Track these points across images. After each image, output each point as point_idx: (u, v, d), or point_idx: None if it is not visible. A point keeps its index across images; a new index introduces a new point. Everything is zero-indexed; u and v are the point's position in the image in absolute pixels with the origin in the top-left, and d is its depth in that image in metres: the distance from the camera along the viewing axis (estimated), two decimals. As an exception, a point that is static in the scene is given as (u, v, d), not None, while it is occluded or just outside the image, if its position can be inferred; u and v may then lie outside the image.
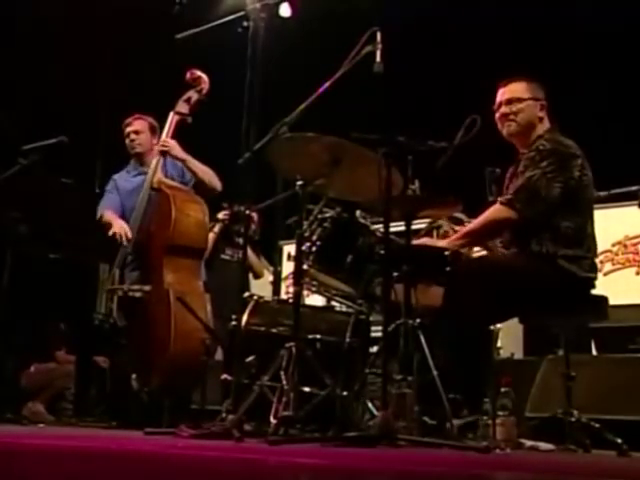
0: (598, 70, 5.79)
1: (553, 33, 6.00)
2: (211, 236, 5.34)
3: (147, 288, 4.55)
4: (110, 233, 4.76)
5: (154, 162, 4.83)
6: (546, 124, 3.71)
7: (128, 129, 5.09)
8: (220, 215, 5.70)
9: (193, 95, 4.93)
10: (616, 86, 5.73)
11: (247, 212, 3.62)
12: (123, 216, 4.93)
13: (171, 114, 4.92)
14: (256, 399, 3.32)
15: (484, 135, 3.70)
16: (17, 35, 6.99)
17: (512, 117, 3.68)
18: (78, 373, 5.20)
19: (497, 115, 3.73)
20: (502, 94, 3.74)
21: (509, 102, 3.69)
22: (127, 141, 5.08)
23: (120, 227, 4.78)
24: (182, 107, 4.92)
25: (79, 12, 6.85)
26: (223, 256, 5.87)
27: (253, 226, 5.61)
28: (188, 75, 4.94)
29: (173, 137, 4.90)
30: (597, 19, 5.80)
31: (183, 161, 4.85)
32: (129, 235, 4.72)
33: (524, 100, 3.68)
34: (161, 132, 4.96)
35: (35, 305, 5.03)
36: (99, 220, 4.95)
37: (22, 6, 6.79)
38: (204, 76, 4.96)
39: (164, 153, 4.82)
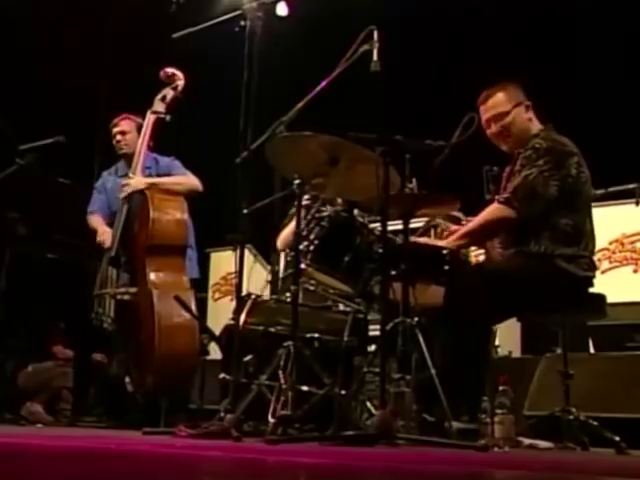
0: (596, 68, 5.79)
1: (551, 31, 6.00)
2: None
3: (133, 290, 4.58)
4: (97, 240, 4.81)
5: (133, 165, 4.82)
6: (536, 122, 3.69)
7: (115, 130, 5.09)
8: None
9: (169, 93, 4.91)
10: (613, 84, 5.73)
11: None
12: (110, 216, 4.96)
13: (148, 114, 4.91)
14: (254, 398, 3.32)
15: (481, 133, 3.70)
16: (15, 34, 6.97)
17: (506, 133, 3.66)
18: (76, 373, 5.19)
19: (489, 132, 3.70)
20: (486, 111, 3.68)
21: (497, 119, 3.65)
22: (114, 142, 5.09)
23: (103, 234, 4.82)
24: (158, 106, 4.90)
25: (76, 11, 6.85)
26: None
27: None
28: (162, 74, 4.91)
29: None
30: (595, 17, 5.80)
31: (151, 188, 4.78)
32: (108, 243, 4.74)
33: (510, 112, 3.64)
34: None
35: (33, 305, 5.02)
36: (87, 222, 4.98)
37: (21, 5, 6.78)
38: (178, 73, 4.93)
39: (129, 194, 4.77)
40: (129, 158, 5.01)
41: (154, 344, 4.35)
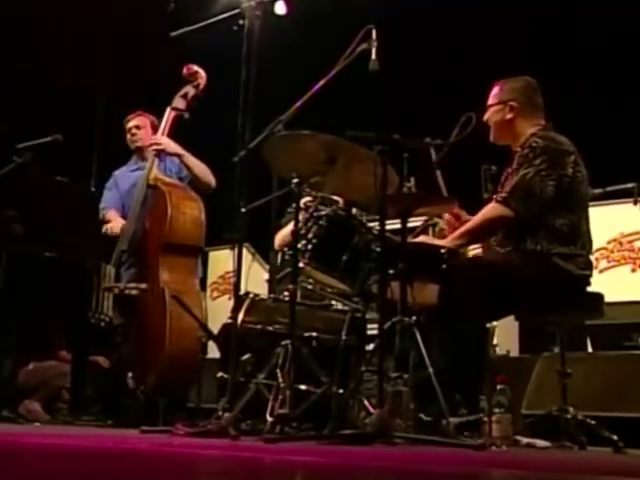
0: (594, 68, 5.80)
1: (550, 30, 6.00)
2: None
3: (143, 286, 4.55)
4: (105, 228, 4.81)
5: (150, 159, 4.83)
6: (525, 123, 3.69)
7: (130, 124, 5.14)
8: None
9: (190, 90, 4.91)
10: (612, 83, 5.73)
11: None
12: (123, 212, 4.97)
13: (168, 110, 4.92)
14: (252, 397, 3.32)
15: (480, 132, 3.71)
16: (15, 33, 6.97)
17: (489, 124, 3.75)
18: (74, 372, 5.19)
19: None
20: None
21: (487, 110, 3.76)
22: (128, 136, 5.14)
23: (115, 223, 4.82)
24: (179, 103, 4.91)
25: (75, 10, 6.84)
26: None
27: None
28: (185, 70, 4.91)
29: (170, 133, 4.90)
30: (594, 17, 5.80)
31: (179, 156, 4.87)
32: (116, 230, 4.73)
33: (491, 106, 3.74)
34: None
35: (30, 304, 5.01)
36: (102, 219, 4.98)
37: (21, 4, 6.77)
38: (201, 71, 4.94)
39: (159, 152, 4.82)
40: (142, 152, 5.07)
41: (164, 343, 4.34)
